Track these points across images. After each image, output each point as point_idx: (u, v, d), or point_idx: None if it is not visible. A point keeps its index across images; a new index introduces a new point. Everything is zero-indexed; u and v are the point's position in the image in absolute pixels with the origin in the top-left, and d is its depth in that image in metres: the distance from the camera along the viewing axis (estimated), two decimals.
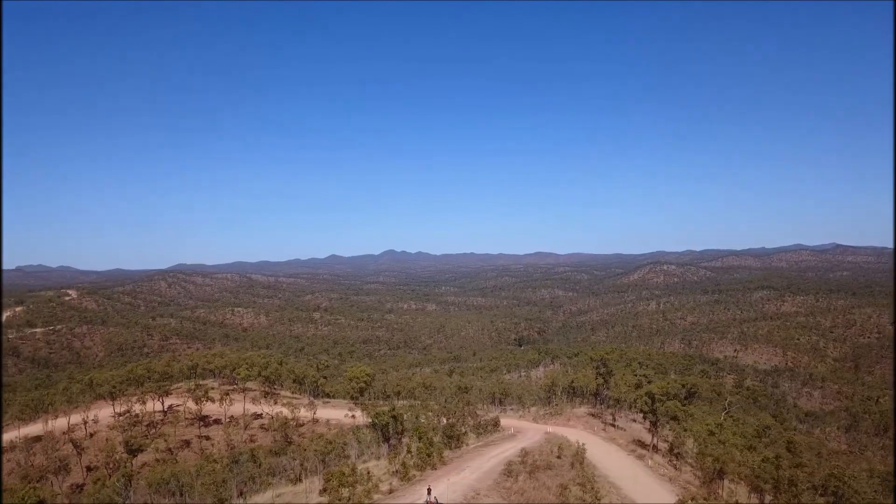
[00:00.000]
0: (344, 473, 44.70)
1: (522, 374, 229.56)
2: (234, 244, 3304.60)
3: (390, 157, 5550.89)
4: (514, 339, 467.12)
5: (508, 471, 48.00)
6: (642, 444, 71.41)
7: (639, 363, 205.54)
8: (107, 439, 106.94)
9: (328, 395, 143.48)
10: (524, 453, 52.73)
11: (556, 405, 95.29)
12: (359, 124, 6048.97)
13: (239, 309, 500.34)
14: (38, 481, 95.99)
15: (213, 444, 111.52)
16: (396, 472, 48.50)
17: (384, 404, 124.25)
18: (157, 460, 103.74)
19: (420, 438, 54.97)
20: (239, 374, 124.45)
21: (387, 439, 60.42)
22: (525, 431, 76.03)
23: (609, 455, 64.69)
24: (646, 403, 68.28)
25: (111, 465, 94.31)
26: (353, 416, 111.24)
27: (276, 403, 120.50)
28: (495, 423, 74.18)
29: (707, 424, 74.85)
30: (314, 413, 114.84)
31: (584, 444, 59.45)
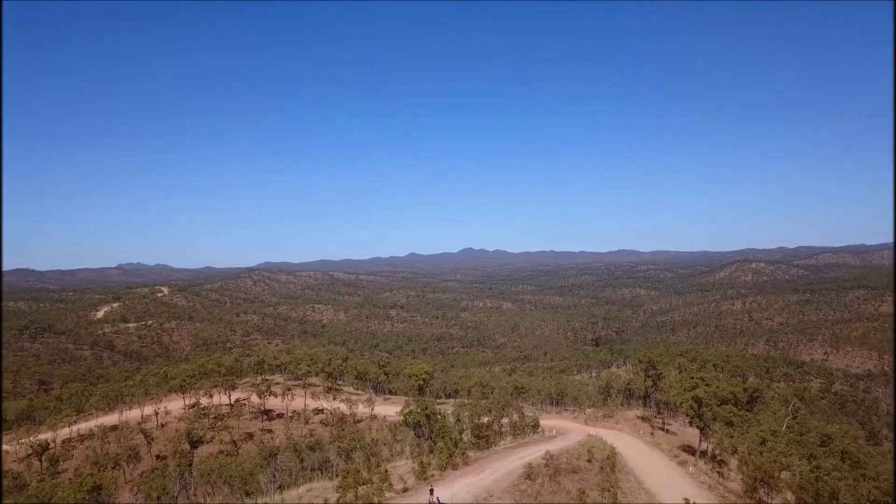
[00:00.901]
0: (358, 472, 45.16)
1: (593, 374, 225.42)
2: (318, 243, 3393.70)
3: (469, 157, 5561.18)
4: (591, 339, 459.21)
5: (528, 473, 47.29)
6: (691, 450, 68.80)
7: (713, 365, 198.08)
8: (175, 430, 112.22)
9: (391, 392, 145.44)
10: (549, 456, 51.71)
11: (610, 407, 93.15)
12: (438, 125, 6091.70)
13: (319, 306, 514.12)
14: (113, 468, 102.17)
15: (273, 438, 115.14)
16: (414, 471, 48.60)
17: (441, 402, 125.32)
18: (221, 451, 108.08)
19: (444, 438, 54.86)
20: (300, 370, 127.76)
21: (421, 438, 60.60)
22: (568, 433, 74.67)
23: (649, 460, 62.76)
24: (691, 408, 65.69)
25: (176, 455, 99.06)
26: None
27: (334, 399, 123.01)
28: (535, 425, 73.06)
29: (761, 431, 71.24)
30: (372, 409, 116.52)
31: (615, 448, 57.90)
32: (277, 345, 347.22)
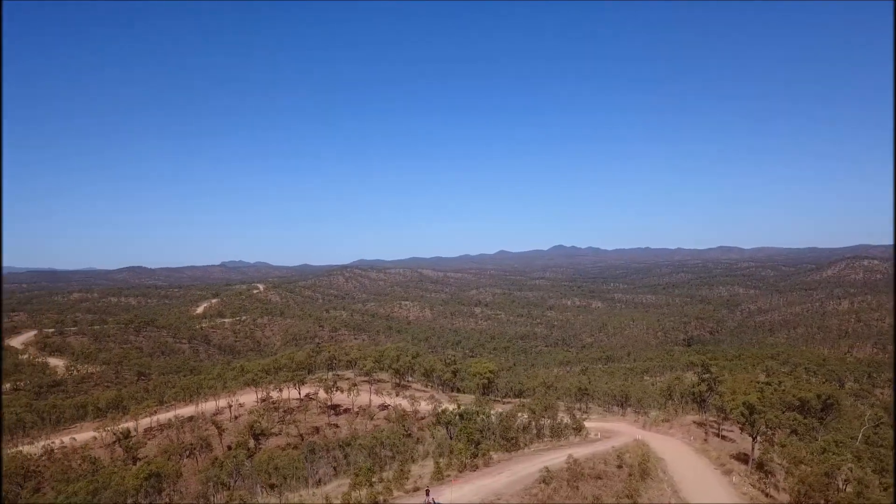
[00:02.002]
0: (371, 470, 45.65)
1: (678, 376, 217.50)
2: (410, 241, 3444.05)
3: (558, 153, 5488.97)
4: (683, 340, 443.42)
5: (544, 477, 46.28)
6: (745, 459, 65.27)
7: (805, 368, 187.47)
8: (246, 423, 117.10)
9: (459, 390, 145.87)
10: (572, 460, 50.40)
11: (669, 411, 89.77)
12: (529, 121, 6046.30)
13: (406, 302, 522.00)
14: (188, 456, 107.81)
15: (338, 432, 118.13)
16: (432, 471, 48.62)
17: (508, 401, 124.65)
18: (289, 444, 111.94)
19: (465, 439, 54.51)
20: (365, 367, 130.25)
21: (453, 438, 60.48)
22: (615, 437, 72.69)
23: (692, 467, 60.07)
24: (742, 414, 62.27)
25: (236, 447, 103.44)
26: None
27: (397, 395, 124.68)
28: (577, 427, 71.38)
29: (825, 441, 66.53)
30: (435, 406, 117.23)
31: (651, 454, 55.69)
32: (363, 340, 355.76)
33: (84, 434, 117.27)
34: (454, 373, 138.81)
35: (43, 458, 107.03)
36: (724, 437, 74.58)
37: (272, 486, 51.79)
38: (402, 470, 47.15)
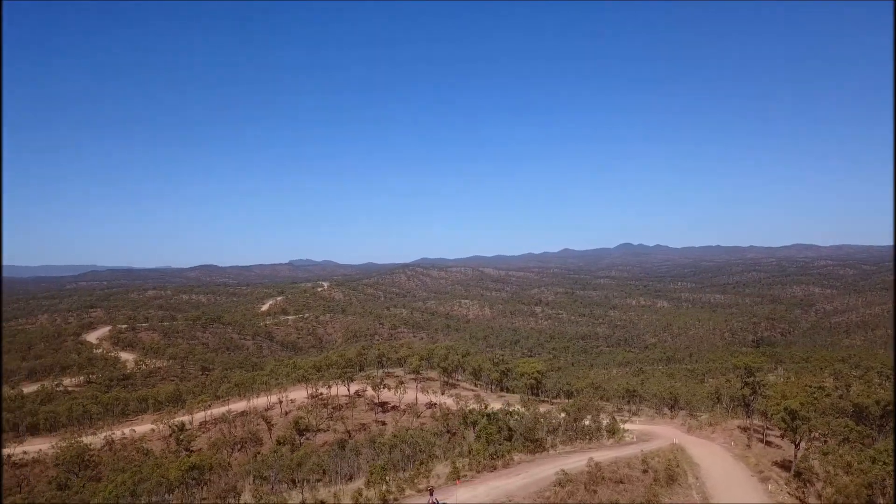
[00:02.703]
0: (385, 468, 45.90)
1: (728, 378, 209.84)
2: (472, 239, 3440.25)
3: (623, 149, 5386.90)
4: (751, 341, 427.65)
5: (559, 480, 45.53)
6: (788, 467, 62.47)
7: (878, 373, 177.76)
8: (294, 418, 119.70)
9: (508, 390, 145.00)
10: (592, 463, 49.39)
11: (715, 415, 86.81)
12: (593, 121, 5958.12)
13: (466, 301, 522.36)
14: (239, 450, 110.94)
15: (385, 430, 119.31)
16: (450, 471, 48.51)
17: (556, 401, 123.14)
18: (336, 441, 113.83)
19: (482, 439, 54.08)
20: (411, 365, 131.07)
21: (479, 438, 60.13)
22: (654, 440, 70.91)
23: (728, 474, 57.99)
24: (783, 420, 59.56)
25: (283, 442, 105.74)
26: (517, 409, 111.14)
27: (442, 394, 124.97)
28: (611, 430, 69.81)
29: (875, 451, 62.83)
30: (480, 406, 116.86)
31: (680, 459, 53.92)
32: (422, 338, 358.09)
33: (143, 426, 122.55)
34: (503, 373, 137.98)
35: (105, 448, 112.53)
36: (769, 444, 71.52)
37: (294, 482, 52.62)
38: (417, 469, 47.22)
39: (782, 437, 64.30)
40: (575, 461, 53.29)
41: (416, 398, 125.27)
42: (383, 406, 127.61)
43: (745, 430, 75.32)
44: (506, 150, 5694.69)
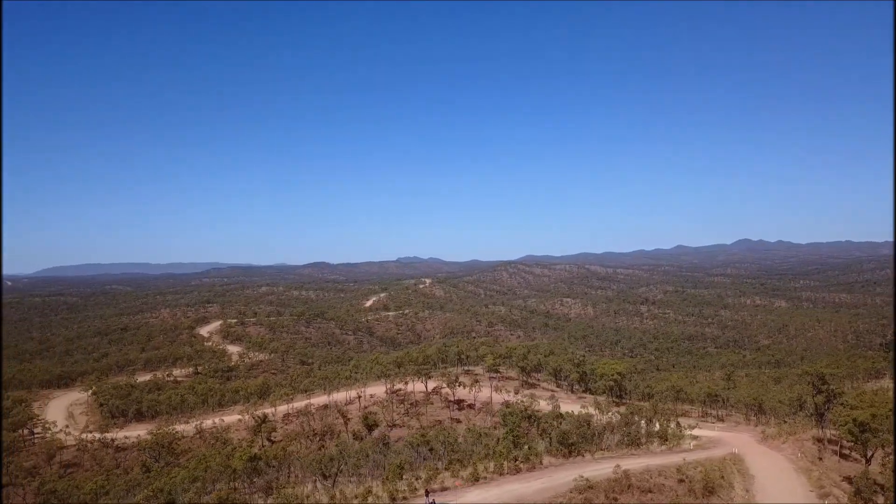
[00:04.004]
0: (402, 468, 45.87)
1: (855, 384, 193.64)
2: (580, 237, 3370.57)
3: (738, 143, 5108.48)
4: (879, 344, 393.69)
5: (578, 486, 43.77)
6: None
7: None
8: (362, 414, 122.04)
9: (590, 391, 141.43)
10: (620, 470, 47.08)
11: (792, 424, 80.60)
12: (691, 120, 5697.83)
13: (568, 299, 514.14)
14: (320, 440, 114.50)
15: (458, 427, 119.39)
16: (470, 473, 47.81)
17: (633, 403, 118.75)
18: (411, 436, 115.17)
19: (514, 441, 52.69)
20: (487, 363, 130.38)
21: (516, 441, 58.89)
22: (717, 447, 67.15)
23: (783, 488, 54.03)
24: (850, 432, 54.33)
25: (358, 436, 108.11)
26: (591, 413, 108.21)
27: (516, 394, 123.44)
28: (662, 435, 66.27)
29: None
30: (553, 406, 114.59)
31: (726, 469, 50.28)
32: (518, 337, 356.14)
33: (232, 417, 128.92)
34: (583, 373, 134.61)
35: (196, 436, 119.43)
36: (845, 457, 65.59)
37: (325, 477, 53.55)
38: (436, 468, 46.88)
39: (850, 449, 58.63)
40: (606, 467, 51.14)
41: (491, 397, 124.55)
42: (459, 404, 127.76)
43: (819, 441, 69.45)
44: (614, 145, 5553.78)
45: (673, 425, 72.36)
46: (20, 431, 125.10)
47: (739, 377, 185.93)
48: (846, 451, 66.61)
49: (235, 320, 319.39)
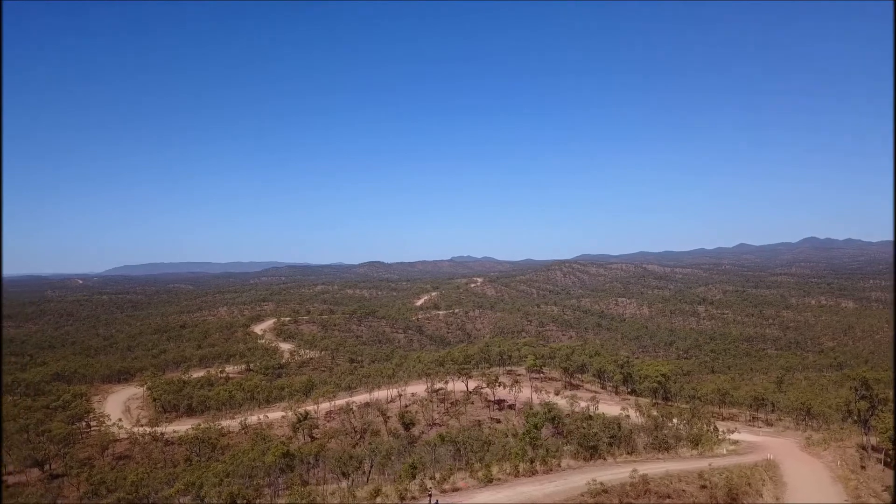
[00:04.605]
0: (415, 467, 45.95)
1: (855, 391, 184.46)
2: (638, 235, 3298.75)
3: (803, 136, 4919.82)
4: None
5: (592, 490, 42.93)
6: None
7: None
8: (400, 412, 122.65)
9: (635, 392, 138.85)
10: (637, 475, 45.93)
11: (838, 430, 77.20)
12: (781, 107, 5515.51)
13: (623, 299, 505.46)
14: (359, 439, 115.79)
15: (498, 426, 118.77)
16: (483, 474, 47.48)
17: (676, 406, 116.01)
18: (434, 436, 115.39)
19: (531, 443, 51.95)
20: (527, 363, 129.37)
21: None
22: (755, 452, 64.94)
23: (815, 499, 51.64)
24: (890, 440, 51.57)
25: (396, 434, 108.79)
26: (628, 415, 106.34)
27: (556, 394, 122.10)
28: (695, 439, 64.26)
29: None
30: (592, 407, 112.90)
31: (753, 476, 48.40)
32: (570, 337, 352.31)
33: (277, 413, 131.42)
34: (627, 375, 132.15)
35: (241, 431, 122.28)
36: (890, 465, 62.12)
37: (344, 475, 54.08)
38: (450, 469, 46.75)
39: (887, 457, 55.61)
40: (626, 471, 49.90)
41: (531, 397, 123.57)
42: (499, 404, 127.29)
43: (863, 448, 66.17)
44: (675, 142, 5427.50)
45: (709, 429, 70.18)
46: (78, 424, 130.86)
47: (797, 380, 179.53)
48: (889, 461, 63.28)
49: (289, 318, 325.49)
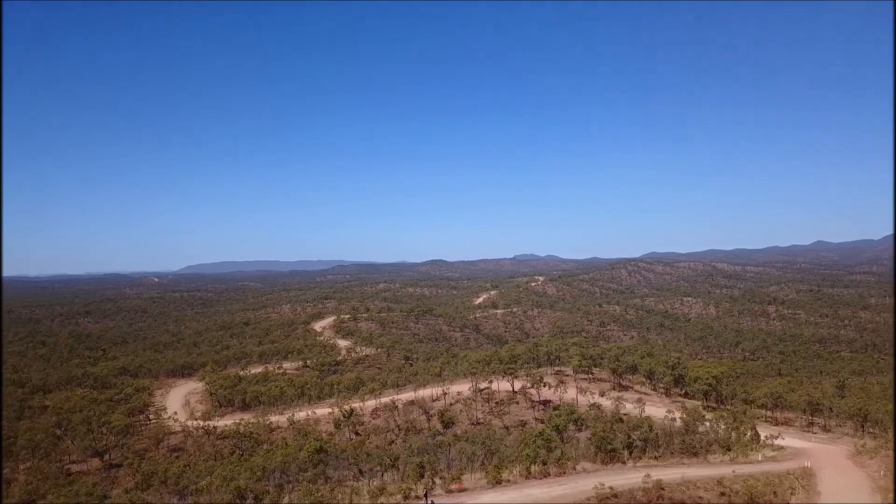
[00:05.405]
0: (422, 466, 45.95)
1: None
2: (706, 232, 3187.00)
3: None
4: None
5: (600, 494, 41.90)
6: None
7: None
8: (439, 411, 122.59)
9: (688, 395, 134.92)
10: (650, 479, 44.51)
11: (885, 438, 72.77)
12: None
13: (688, 298, 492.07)
14: (404, 434, 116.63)
15: (541, 426, 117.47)
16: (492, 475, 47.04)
17: (726, 408, 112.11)
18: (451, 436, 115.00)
19: (547, 446, 51.00)
20: (572, 363, 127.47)
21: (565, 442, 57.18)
22: (795, 460, 61.88)
23: None
24: None
25: (436, 432, 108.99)
26: (674, 418, 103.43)
27: (601, 395, 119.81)
28: (725, 444, 61.74)
29: None
30: (640, 409, 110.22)
31: (777, 486, 46.12)
32: (632, 337, 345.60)
33: (324, 409, 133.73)
34: (678, 377, 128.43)
35: (289, 427, 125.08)
36: None
37: (361, 473, 54.54)
38: (460, 469, 46.56)
39: None
40: (642, 476, 48.41)
41: (576, 398, 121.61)
42: (545, 404, 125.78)
43: None
44: (743, 134, 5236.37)
45: (747, 434, 67.42)
46: (138, 416, 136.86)
47: (868, 384, 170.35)
48: None
49: (348, 316, 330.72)
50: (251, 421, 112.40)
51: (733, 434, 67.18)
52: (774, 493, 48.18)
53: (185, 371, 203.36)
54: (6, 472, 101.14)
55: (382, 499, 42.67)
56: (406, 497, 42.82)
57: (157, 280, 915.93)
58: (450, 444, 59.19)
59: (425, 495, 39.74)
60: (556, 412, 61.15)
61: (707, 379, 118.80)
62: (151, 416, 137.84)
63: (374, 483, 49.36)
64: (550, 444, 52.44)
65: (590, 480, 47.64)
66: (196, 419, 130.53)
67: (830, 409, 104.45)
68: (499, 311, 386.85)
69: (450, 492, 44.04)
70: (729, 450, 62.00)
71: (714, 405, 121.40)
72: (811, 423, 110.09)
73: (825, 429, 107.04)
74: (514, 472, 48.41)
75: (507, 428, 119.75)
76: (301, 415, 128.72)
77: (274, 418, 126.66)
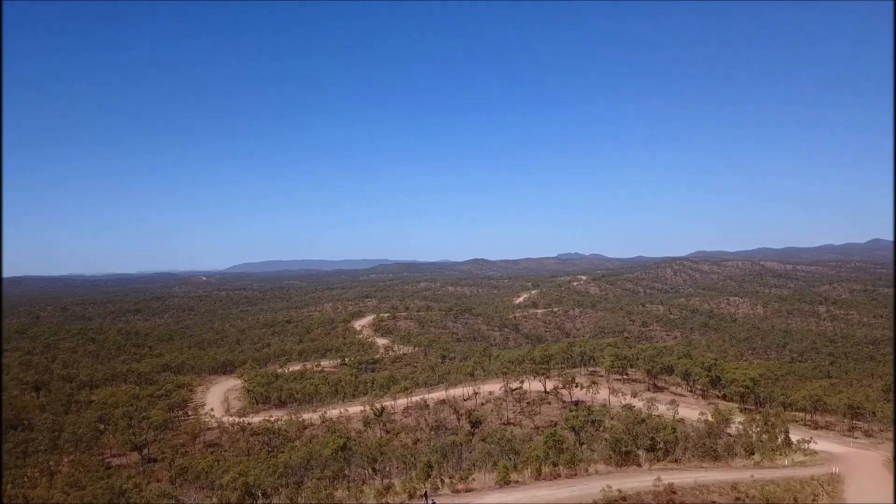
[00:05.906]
0: (431, 466, 45.91)
1: None
2: (757, 230, 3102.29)
3: None
4: None
5: (608, 497, 41.26)
6: None
7: None
8: (467, 411, 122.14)
9: (725, 397, 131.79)
10: (660, 483, 43.52)
11: None
12: None
13: (735, 298, 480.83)
14: (433, 433, 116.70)
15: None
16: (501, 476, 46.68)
17: (765, 410, 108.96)
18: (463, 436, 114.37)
19: (557, 447, 50.22)
20: (604, 363, 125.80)
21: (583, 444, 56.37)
22: (825, 466, 59.85)
23: None
24: None
25: (460, 432, 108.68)
26: (705, 420, 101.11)
27: (633, 396, 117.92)
28: (750, 450, 59.97)
29: None
30: (672, 411, 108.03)
31: (798, 493, 44.53)
32: (675, 337, 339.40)
33: (356, 407, 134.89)
34: (714, 378, 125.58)
35: (321, 424, 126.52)
36: None
37: (375, 471, 54.74)
38: (469, 469, 46.37)
39: None
40: (652, 479, 47.33)
41: (609, 399, 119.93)
42: (577, 405, 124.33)
43: None
44: (794, 129, 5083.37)
45: (775, 438, 65.38)
46: (177, 412, 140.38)
47: None
48: None
49: (388, 314, 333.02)
50: (283, 418, 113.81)
51: (764, 437, 65.06)
52: (795, 499, 46.60)
53: (226, 368, 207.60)
54: (52, 464, 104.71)
55: (388, 498, 42.74)
56: (411, 496, 42.82)
57: (204, 279, 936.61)
58: (462, 444, 58.86)
59: (425, 495, 39.63)
60: (573, 413, 60.11)
61: (744, 381, 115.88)
62: (190, 412, 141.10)
63: (385, 482, 49.39)
64: (562, 445, 51.70)
65: (599, 483, 46.80)
66: (231, 415, 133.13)
67: (874, 413, 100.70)
68: (539, 311, 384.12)
69: (456, 492, 43.91)
70: (753, 454, 60.19)
71: (751, 407, 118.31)
72: (853, 428, 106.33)
73: (867, 433, 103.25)
74: (525, 473, 47.92)
75: (537, 428, 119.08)
76: (334, 412, 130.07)
77: (307, 415, 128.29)
